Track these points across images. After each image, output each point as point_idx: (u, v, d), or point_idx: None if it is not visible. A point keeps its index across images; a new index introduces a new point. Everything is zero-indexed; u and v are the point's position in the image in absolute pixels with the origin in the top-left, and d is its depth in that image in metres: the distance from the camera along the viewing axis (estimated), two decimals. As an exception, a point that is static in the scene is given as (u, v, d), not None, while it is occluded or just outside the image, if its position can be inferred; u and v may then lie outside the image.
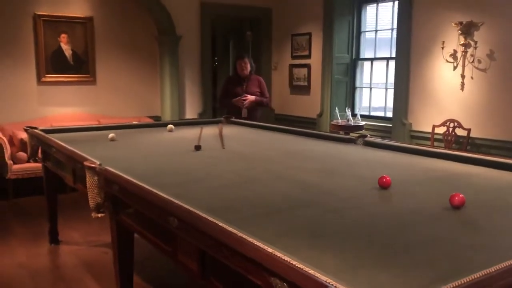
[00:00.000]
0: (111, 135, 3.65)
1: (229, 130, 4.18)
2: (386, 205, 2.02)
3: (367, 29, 6.76)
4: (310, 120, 7.09)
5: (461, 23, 5.00)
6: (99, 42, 6.53)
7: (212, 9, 7.13)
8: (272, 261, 1.26)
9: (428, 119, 5.47)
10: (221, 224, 1.52)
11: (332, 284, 1.10)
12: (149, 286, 3.40)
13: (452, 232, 1.63)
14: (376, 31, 6.62)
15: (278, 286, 1.22)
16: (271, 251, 1.28)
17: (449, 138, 5.15)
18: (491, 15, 4.83)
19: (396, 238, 1.57)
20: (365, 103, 6.91)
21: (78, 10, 6.36)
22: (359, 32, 6.80)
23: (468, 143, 5.01)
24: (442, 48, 5.19)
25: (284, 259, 1.23)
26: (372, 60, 6.69)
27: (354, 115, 6.36)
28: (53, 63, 6.24)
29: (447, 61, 5.20)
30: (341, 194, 2.14)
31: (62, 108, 6.32)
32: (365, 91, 6.90)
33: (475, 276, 1.14)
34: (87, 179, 2.50)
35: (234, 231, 1.45)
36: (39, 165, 4.31)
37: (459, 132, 5.10)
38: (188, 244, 1.78)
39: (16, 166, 5.40)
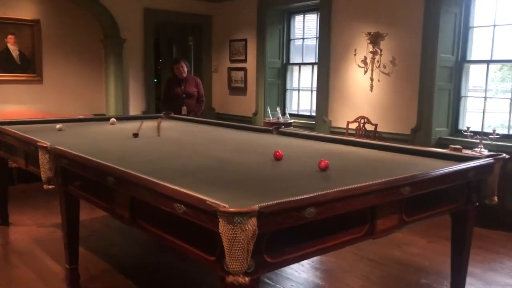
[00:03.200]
0: (58, 126, 4.14)
1: (167, 124, 4.75)
2: (274, 168, 2.69)
3: (295, 37, 7.53)
4: (247, 119, 7.76)
5: (370, 33, 5.83)
6: (46, 43, 6.93)
7: (155, 15, 7.68)
8: (175, 192, 1.88)
9: (344, 117, 6.28)
10: (143, 176, 2.13)
11: (209, 201, 1.72)
12: (94, 255, 3.92)
13: (311, 181, 2.31)
14: (303, 39, 7.41)
15: (178, 208, 1.84)
16: (174, 187, 1.91)
17: (360, 132, 5.97)
18: (394, 27, 5.69)
19: (271, 185, 2.24)
20: (295, 103, 7.68)
21: (25, 13, 6.74)
22: (288, 40, 7.57)
23: (375, 136, 5.84)
24: (355, 54, 6.02)
25: (182, 191, 1.86)
26: (300, 65, 7.47)
27: (284, 113, 7.10)
28: (0, 63, 6.58)
29: (359, 66, 6.03)
30: (244, 164, 2.79)
31: (10, 105, 6.66)
32: (295, 93, 7.67)
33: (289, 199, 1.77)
34: (39, 157, 3.01)
35: (151, 178, 2.06)
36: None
37: (368, 127, 5.93)
38: (121, 196, 2.37)
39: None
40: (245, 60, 7.89)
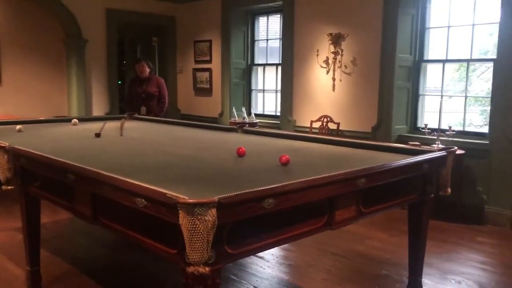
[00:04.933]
0: (18, 127, 4.05)
1: (131, 124, 4.72)
2: (237, 164, 2.73)
3: (260, 38, 7.61)
4: (213, 120, 7.77)
5: (331, 34, 5.96)
6: (5, 44, 6.76)
7: (118, 15, 7.61)
8: (135, 187, 1.89)
9: (307, 116, 6.39)
10: (103, 172, 2.13)
11: (169, 193, 1.75)
12: (56, 257, 3.86)
13: (272, 175, 2.37)
14: (267, 40, 7.49)
15: (139, 202, 1.86)
16: (134, 181, 1.92)
17: (323, 131, 6.09)
18: (355, 28, 5.84)
19: (233, 180, 2.28)
20: (260, 103, 7.75)
21: (-18, 13, 6.56)
22: (253, 41, 7.64)
23: (338, 134, 5.97)
24: (317, 55, 6.14)
25: (142, 185, 1.88)
26: (264, 65, 7.55)
27: (249, 114, 7.16)
28: (-44, 64, 6.38)
29: (321, 66, 6.15)
30: (207, 160, 2.82)
31: (-34, 107, 6.46)
32: (260, 94, 7.74)
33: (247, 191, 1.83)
34: (-2, 157, 2.95)
35: (112, 174, 2.07)
36: None
37: (331, 125, 6.06)
38: (82, 194, 2.37)
39: None
40: (210, 61, 7.91)
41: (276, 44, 7.34)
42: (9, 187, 2.98)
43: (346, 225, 2.40)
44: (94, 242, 4.25)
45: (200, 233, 1.63)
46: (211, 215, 1.64)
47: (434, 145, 4.97)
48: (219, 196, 1.69)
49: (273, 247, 2.18)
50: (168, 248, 1.89)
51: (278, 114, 7.08)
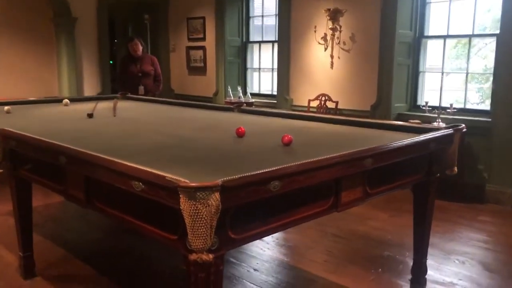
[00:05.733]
0: (6, 108, 3.89)
1: (124, 104, 4.57)
2: (237, 145, 2.61)
3: (255, 15, 7.41)
4: (207, 99, 7.60)
5: (329, 9, 5.79)
6: (-9, 23, 6.52)
7: (108, -8, 7.36)
8: (132, 169, 1.77)
9: (305, 95, 6.26)
10: (97, 154, 2.00)
11: (168, 176, 1.63)
12: (50, 242, 3.75)
13: (275, 156, 2.26)
14: (262, 16, 7.30)
15: (136, 186, 1.74)
16: (130, 164, 1.80)
17: (322, 110, 5.96)
18: (353, 3, 5.67)
19: (234, 161, 2.17)
20: (256, 82, 7.59)
21: (-34, -10, 6.31)
22: (248, 17, 7.43)
23: (336, 113, 5.85)
24: (315, 31, 5.97)
25: (140, 167, 1.76)
26: (260, 43, 7.37)
27: (245, 93, 7.02)
28: None
29: (319, 43, 5.99)
30: (205, 141, 2.70)
31: (-47, 88, 6.26)
32: (256, 72, 7.58)
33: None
34: (-15, 140, 2.81)
35: (106, 156, 1.94)
36: None
37: (329, 104, 5.94)
38: (75, 177, 2.24)
39: None
40: (203, 39, 7.71)
41: (271, 22, 7.15)
42: (-2, 171, 2.86)
43: (351, 207, 2.30)
44: (88, 226, 4.15)
45: (203, 219, 1.52)
46: (215, 199, 1.53)
47: (435, 123, 4.86)
48: (222, 179, 1.57)
49: (278, 231, 2.08)
50: (168, 234, 1.78)
51: (275, 93, 6.93)
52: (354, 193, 2.26)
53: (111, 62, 8.48)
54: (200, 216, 1.52)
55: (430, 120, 5.01)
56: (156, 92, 6.07)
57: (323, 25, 5.93)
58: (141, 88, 5.84)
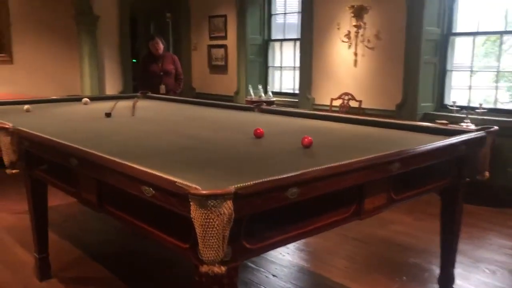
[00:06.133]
0: (26, 106, 3.87)
1: (144, 103, 4.51)
2: (254, 147, 2.51)
3: (277, 12, 7.28)
4: (228, 98, 7.53)
5: (353, 6, 5.63)
6: (15, 22, 6.58)
7: (130, -10, 7.35)
8: (142, 174, 1.69)
9: (327, 93, 6.11)
10: (107, 156, 1.92)
11: (179, 182, 1.53)
12: (67, 242, 3.72)
13: (294, 159, 2.14)
14: (284, 13, 7.17)
15: (146, 191, 1.66)
16: (140, 167, 1.71)
17: (344, 109, 5.81)
18: (378, 0, 5.50)
19: (251, 164, 2.06)
20: (277, 81, 7.47)
21: (-9, -11, 6.37)
22: (270, 15, 7.32)
23: (360, 113, 5.69)
24: (338, 29, 5.82)
25: (150, 172, 1.67)
26: (282, 41, 7.24)
27: (266, 92, 6.91)
28: (-34, 42, 6.24)
29: (343, 41, 5.84)
30: (222, 142, 2.60)
31: (-23, 87, 6.34)
32: (277, 71, 7.46)
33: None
34: (1, 140, 2.78)
35: (115, 158, 1.86)
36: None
37: (353, 103, 5.78)
38: (87, 179, 2.17)
39: None
40: (225, 37, 7.63)
41: (293, 19, 7.02)
42: (13, 171, 2.82)
43: (375, 214, 2.17)
44: (106, 227, 4.10)
45: (214, 229, 1.42)
46: (227, 207, 1.43)
47: (463, 124, 4.67)
48: (235, 186, 1.47)
49: (296, 241, 1.97)
50: (179, 242, 1.69)
51: (296, 92, 6.80)
52: (378, 199, 2.13)
53: (134, 60, 8.48)
54: (212, 226, 1.42)
55: (458, 120, 4.81)
56: (177, 91, 6.02)
57: (347, 22, 5.77)
58: (162, 87, 5.80)
